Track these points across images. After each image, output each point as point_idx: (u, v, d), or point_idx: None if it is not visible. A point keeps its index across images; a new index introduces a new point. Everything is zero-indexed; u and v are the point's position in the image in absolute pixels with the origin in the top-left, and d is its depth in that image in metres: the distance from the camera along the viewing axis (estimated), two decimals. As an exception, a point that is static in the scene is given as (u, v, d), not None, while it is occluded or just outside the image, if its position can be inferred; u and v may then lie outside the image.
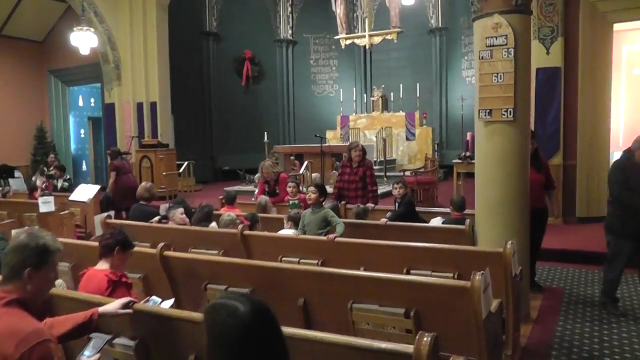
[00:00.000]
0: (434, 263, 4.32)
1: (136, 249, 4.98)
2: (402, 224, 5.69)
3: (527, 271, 4.99)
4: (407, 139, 16.18)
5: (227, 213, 6.05)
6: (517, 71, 4.81)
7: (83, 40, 12.47)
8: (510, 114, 4.82)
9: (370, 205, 6.76)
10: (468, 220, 5.18)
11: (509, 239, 4.70)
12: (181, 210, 6.27)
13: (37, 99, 17.59)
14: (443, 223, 5.66)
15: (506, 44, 4.79)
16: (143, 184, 7.20)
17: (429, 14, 18.19)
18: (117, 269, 3.62)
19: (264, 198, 6.98)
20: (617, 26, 9.13)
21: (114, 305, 2.99)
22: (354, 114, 17.70)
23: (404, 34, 17.04)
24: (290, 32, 19.80)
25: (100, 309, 2.90)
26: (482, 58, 4.94)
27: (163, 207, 6.93)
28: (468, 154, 8.56)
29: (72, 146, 18.22)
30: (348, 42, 17.02)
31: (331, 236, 4.94)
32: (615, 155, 9.46)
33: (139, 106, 15.07)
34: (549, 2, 8.88)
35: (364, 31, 16.72)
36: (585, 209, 8.82)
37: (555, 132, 8.77)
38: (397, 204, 6.45)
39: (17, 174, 15.86)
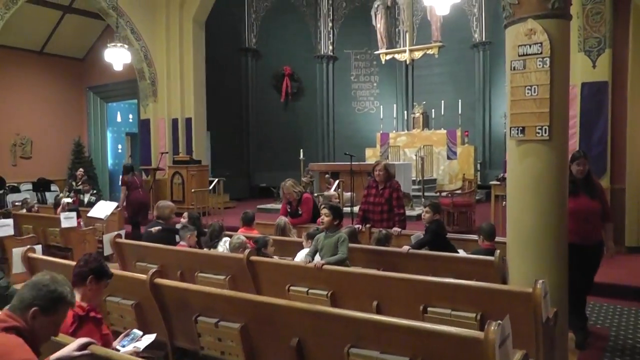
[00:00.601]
0: (454, 301, 3.80)
1: (128, 274, 4.67)
2: (425, 252, 5.18)
3: (564, 313, 4.38)
4: (449, 157, 15.52)
5: (238, 236, 5.65)
6: (554, 84, 4.25)
7: (116, 57, 12.41)
8: (545, 132, 4.26)
9: (396, 229, 6.25)
10: (498, 251, 4.61)
11: (543, 275, 4.16)
12: (195, 232, 5.96)
13: (76, 114, 17.80)
14: (472, 253, 5.10)
15: (541, 53, 4.24)
16: (165, 203, 6.86)
17: (472, 28, 17.61)
18: (89, 301, 3.24)
19: (282, 219, 6.54)
20: (672, 38, 8.40)
21: (69, 348, 2.64)
22: (394, 131, 17.18)
23: (446, 49, 16.52)
24: (330, 47, 19.50)
25: (53, 357, 2.56)
26: (514, 69, 4.39)
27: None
28: (506, 175, 7.93)
29: (110, 161, 18.28)
30: (388, 57, 16.59)
31: (319, 262, 4.49)
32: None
33: (174, 122, 14.99)
34: (596, 10, 8.23)
35: (405, 46, 16.24)
36: (635, 237, 8.07)
37: (602, 152, 8.07)
38: (425, 230, 5.94)
39: (53, 187, 16.00)
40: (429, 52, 15.92)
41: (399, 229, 6.26)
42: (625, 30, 8.21)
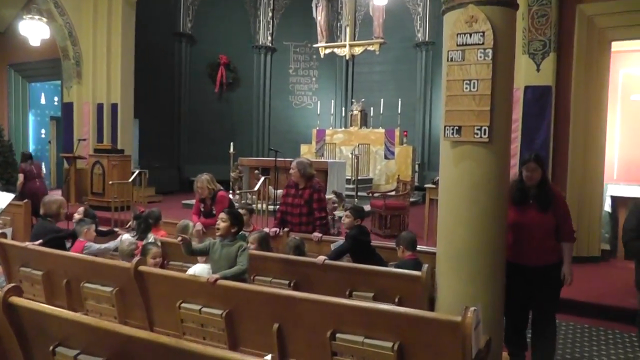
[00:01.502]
0: (369, 326, 3.21)
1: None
2: (342, 264, 4.58)
3: (499, 339, 3.88)
4: (386, 157, 15.09)
5: (130, 240, 4.93)
6: (496, 79, 3.73)
7: (33, 31, 11.37)
8: (484, 134, 3.74)
9: (316, 235, 5.65)
10: (426, 265, 4.07)
11: (476, 293, 3.68)
12: (93, 226, 5.21)
13: (-5, 94, 16.43)
14: (396, 265, 4.55)
15: (482, 43, 3.72)
16: (52, 198, 6.00)
17: (416, 27, 17.28)
18: None
19: (184, 221, 5.84)
20: (615, 46, 8.13)
21: None
22: (331, 128, 16.61)
23: (388, 47, 16.13)
24: (269, 38, 18.77)
25: None
26: (452, 60, 3.85)
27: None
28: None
29: (32, 146, 16.96)
30: (328, 51, 16.05)
31: (212, 277, 3.87)
32: (609, 188, 8.46)
33: (99, 107, 13.92)
34: (541, 12, 7.88)
35: (345, 40, 15.72)
36: (574, 248, 7.76)
37: (544, 158, 7.72)
38: (346, 236, 5.37)
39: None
40: (370, 48, 15.46)
41: (319, 235, 5.66)
42: (570, 35, 7.90)
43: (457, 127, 3.85)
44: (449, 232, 3.95)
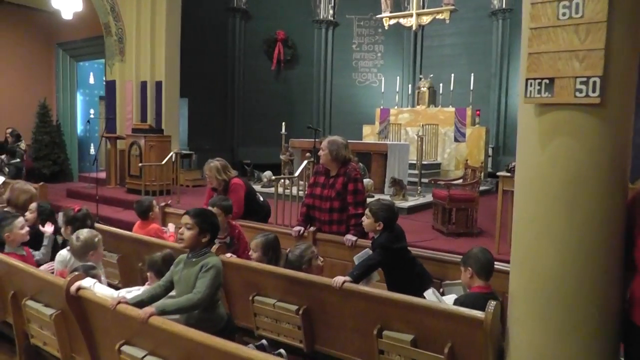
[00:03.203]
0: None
1: None
2: (370, 291, 3.15)
3: None
4: (456, 139, 13.41)
5: (87, 235, 3.68)
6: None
7: (65, 3, 10.43)
8: (593, 90, 2.25)
9: (349, 237, 4.25)
10: (494, 304, 2.59)
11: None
12: (21, 223, 3.99)
13: (45, 74, 15.74)
14: (456, 301, 3.08)
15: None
16: (20, 184, 4.91)
17: (492, -7, 15.41)
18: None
19: None
20: None
21: None
22: (396, 107, 15.03)
23: (460, 17, 14.35)
24: (331, 11, 17.29)
25: None
26: (540, -29, 2.36)
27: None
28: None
29: (79, 127, 16.32)
30: (392, 22, 14.34)
31: (146, 311, 2.62)
32: None
33: (143, 85, 13.00)
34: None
35: (412, 9, 14.05)
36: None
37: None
38: (372, 246, 3.94)
39: (16, 154, 14.17)
40: (439, 17, 13.66)
41: (353, 238, 4.25)
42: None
43: (547, 81, 2.35)
44: (529, 254, 2.47)
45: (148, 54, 12.81)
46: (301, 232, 4.58)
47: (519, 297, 2.52)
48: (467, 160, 9.53)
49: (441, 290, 3.71)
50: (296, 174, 7.44)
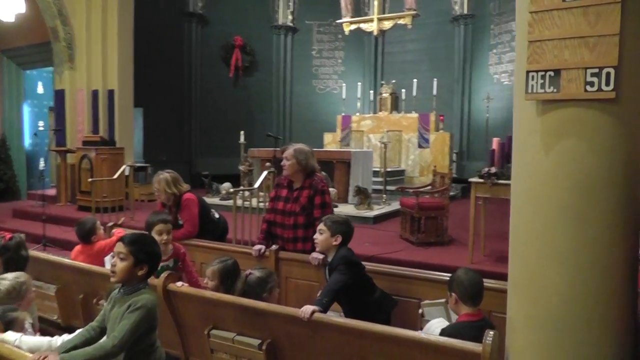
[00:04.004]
0: None
1: None
2: (345, 321, 2.72)
3: None
4: (420, 145, 13.15)
5: (19, 278, 3.16)
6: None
7: (4, 3, 9.78)
8: (606, 84, 1.91)
9: (315, 256, 3.83)
10: (492, 334, 2.22)
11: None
12: None
13: (-11, 84, 14.97)
14: (442, 331, 2.69)
15: None
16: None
17: (453, -1, 15.29)
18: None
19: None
20: None
21: None
22: (357, 114, 14.72)
23: (422, 22, 14.14)
24: (290, 17, 16.93)
25: None
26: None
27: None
28: (494, 169, 5.61)
29: (27, 141, 15.49)
30: (353, 27, 14.08)
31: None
32: None
33: (94, 94, 12.35)
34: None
35: (373, 14, 13.80)
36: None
37: None
38: (325, 271, 3.53)
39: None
40: (401, 22, 13.47)
41: (321, 256, 3.82)
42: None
43: (551, 73, 2.01)
44: (533, 276, 2.12)
45: (99, 61, 12.16)
46: (262, 251, 4.15)
47: (522, 324, 2.17)
48: (434, 167, 9.23)
49: (420, 311, 3.35)
50: (256, 185, 6.99)
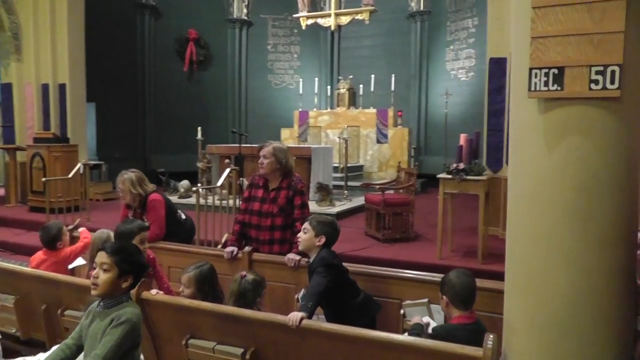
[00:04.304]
0: None
1: None
2: (336, 327, 2.60)
3: None
4: (378, 141, 13.17)
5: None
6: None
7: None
8: (611, 81, 1.87)
9: (292, 257, 3.72)
10: (492, 337, 2.16)
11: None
12: None
13: None
14: (433, 331, 2.65)
15: None
16: None
17: (409, -5, 15.35)
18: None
19: (103, 232, 3.88)
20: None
21: None
22: (315, 109, 14.63)
23: (379, 18, 14.15)
24: (245, 10, 16.67)
25: None
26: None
27: None
28: (462, 165, 5.61)
29: (-31, 138, 14.79)
30: (310, 22, 13.96)
31: None
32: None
33: (44, 88, 11.82)
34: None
35: (330, 9, 13.71)
36: None
37: None
38: (309, 270, 3.38)
39: None
40: (359, 17, 13.40)
41: (297, 257, 3.72)
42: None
43: (555, 70, 1.95)
44: (534, 277, 2.08)
45: (49, 53, 11.57)
46: (235, 253, 4.00)
47: (522, 328, 2.12)
48: (399, 163, 9.24)
49: (402, 311, 3.29)
50: (218, 183, 6.81)
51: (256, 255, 3.94)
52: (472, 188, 5.55)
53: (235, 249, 4.01)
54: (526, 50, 2.03)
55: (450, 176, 5.67)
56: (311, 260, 3.32)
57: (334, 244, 3.38)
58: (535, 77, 1.98)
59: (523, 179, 2.12)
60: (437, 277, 3.18)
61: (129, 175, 4.48)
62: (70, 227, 4.70)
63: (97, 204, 10.44)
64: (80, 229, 4.63)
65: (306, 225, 3.35)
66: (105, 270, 2.39)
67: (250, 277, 3.16)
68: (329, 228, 3.35)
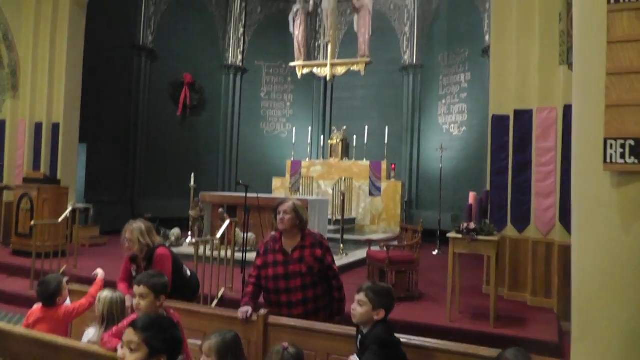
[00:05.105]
0: None
1: None
2: None
3: None
4: (371, 193, 13.10)
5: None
6: None
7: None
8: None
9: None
10: None
11: None
12: None
13: None
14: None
15: None
16: None
17: (402, 49, 15.56)
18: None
19: (112, 297, 3.65)
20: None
21: None
22: (307, 159, 14.56)
23: (373, 70, 14.24)
24: (240, 57, 16.78)
25: None
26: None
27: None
28: (472, 225, 5.50)
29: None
30: (306, 71, 14.04)
31: None
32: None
33: (37, 127, 11.60)
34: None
35: (326, 59, 13.79)
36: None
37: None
38: (357, 341, 3.14)
39: None
40: (354, 68, 13.52)
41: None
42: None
43: (631, 142, 1.85)
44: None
45: (45, 91, 11.44)
46: (249, 313, 3.77)
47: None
48: (404, 220, 9.09)
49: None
50: (218, 235, 6.63)
51: (272, 319, 3.69)
52: (483, 249, 5.43)
53: (250, 308, 3.78)
54: (594, 116, 1.93)
55: (460, 236, 5.54)
56: (364, 331, 3.09)
57: (390, 313, 3.12)
58: (611, 148, 1.88)
59: (595, 256, 1.99)
60: (491, 352, 2.94)
61: (138, 224, 4.28)
62: (66, 279, 4.43)
63: (83, 249, 10.05)
64: (99, 274, 4.34)
65: (361, 297, 3.05)
66: (132, 350, 2.12)
67: (293, 350, 2.88)
68: (387, 299, 3.08)
